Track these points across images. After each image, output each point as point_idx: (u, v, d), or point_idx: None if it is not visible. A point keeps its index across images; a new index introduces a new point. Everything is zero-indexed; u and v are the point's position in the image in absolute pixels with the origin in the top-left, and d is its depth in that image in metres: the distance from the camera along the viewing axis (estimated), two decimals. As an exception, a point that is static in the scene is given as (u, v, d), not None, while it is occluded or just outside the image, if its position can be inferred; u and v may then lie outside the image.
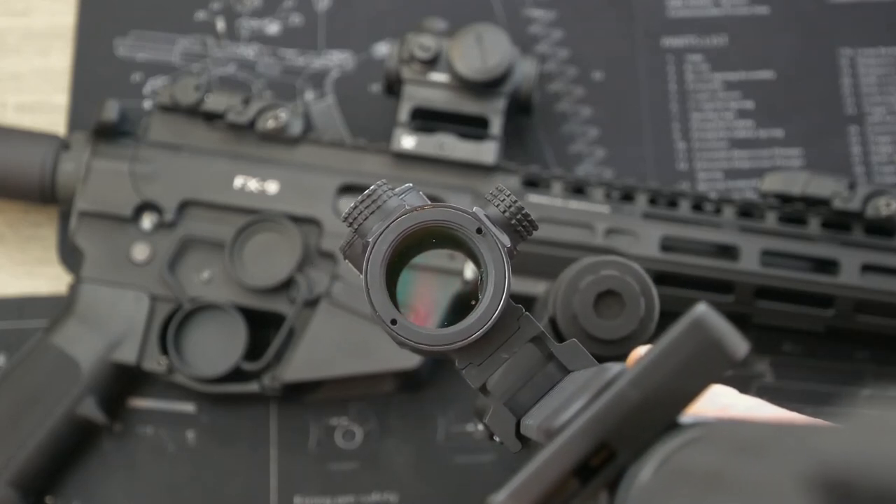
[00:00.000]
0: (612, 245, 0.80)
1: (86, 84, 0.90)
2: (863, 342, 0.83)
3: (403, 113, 0.82)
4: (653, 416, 0.32)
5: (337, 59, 0.91)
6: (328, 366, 0.80)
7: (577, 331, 0.56)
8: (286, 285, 0.81)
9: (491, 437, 0.47)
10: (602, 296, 0.56)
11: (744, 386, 0.80)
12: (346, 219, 0.45)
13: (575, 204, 0.81)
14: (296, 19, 0.92)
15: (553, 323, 0.57)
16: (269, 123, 0.82)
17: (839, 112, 0.89)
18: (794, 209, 0.80)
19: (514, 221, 0.45)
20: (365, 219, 0.45)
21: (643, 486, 0.30)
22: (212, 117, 0.83)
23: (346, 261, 0.46)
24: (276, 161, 0.82)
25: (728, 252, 0.80)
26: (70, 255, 0.85)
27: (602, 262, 0.57)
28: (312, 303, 0.81)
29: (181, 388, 0.82)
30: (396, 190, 0.45)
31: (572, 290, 0.56)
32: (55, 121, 0.89)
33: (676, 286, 0.79)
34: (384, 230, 0.44)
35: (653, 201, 0.81)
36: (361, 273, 0.44)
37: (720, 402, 0.44)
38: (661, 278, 0.78)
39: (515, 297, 0.45)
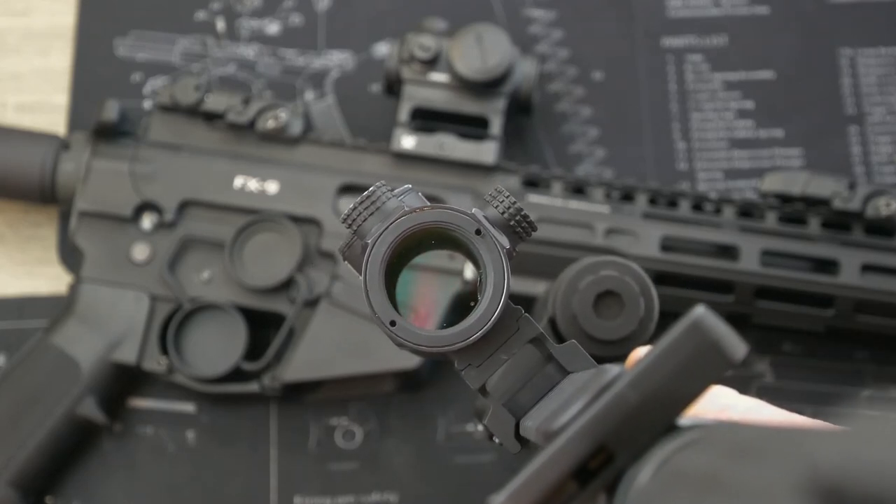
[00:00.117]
0: (611, 245, 0.80)
1: (86, 84, 0.90)
2: (863, 342, 0.83)
3: (403, 113, 0.82)
4: (651, 418, 0.32)
5: (337, 59, 0.91)
6: (328, 366, 0.80)
7: (577, 331, 0.56)
8: (286, 285, 0.81)
9: (491, 437, 0.47)
10: (601, 296, 0.56)
11: (744, 386, 0.81)
12: (345, 220, 0.45)
13: (575, 204, 0.81)
14: (296, 19, 0.92)
15: (552, 323, 0.57)
16: (269, 123, 0.82)
17: (839, 112, 0.89)
18: (794, 209, 0.80)
19: (512, 223, 0.45)
20: (364, 220, 0.45)
21: (641, 488, 0.30)
22: (212, 117, 0.83)
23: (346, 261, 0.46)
24: (276, 161, 0.82)
25: (728, 252, 0.80)
26: (70, 255, 0.85)
27: (602, 262, 0.57)
28: (312, 303, 0.81)
29: (181, 388, 0.82)
30: (395, 191, 0.45)
31: (572, 291, 0.56)
32: (55, 121, 0.89)
33: (676, 286, 0.79)
34: (383, 231, 0.44)
35: (653, 201, 0.81)
36: (361, 274, 0.44)
37: (720, 402, 0.44)
38: (660, 278, 0.78)
39: (515, 298, 0.45)
